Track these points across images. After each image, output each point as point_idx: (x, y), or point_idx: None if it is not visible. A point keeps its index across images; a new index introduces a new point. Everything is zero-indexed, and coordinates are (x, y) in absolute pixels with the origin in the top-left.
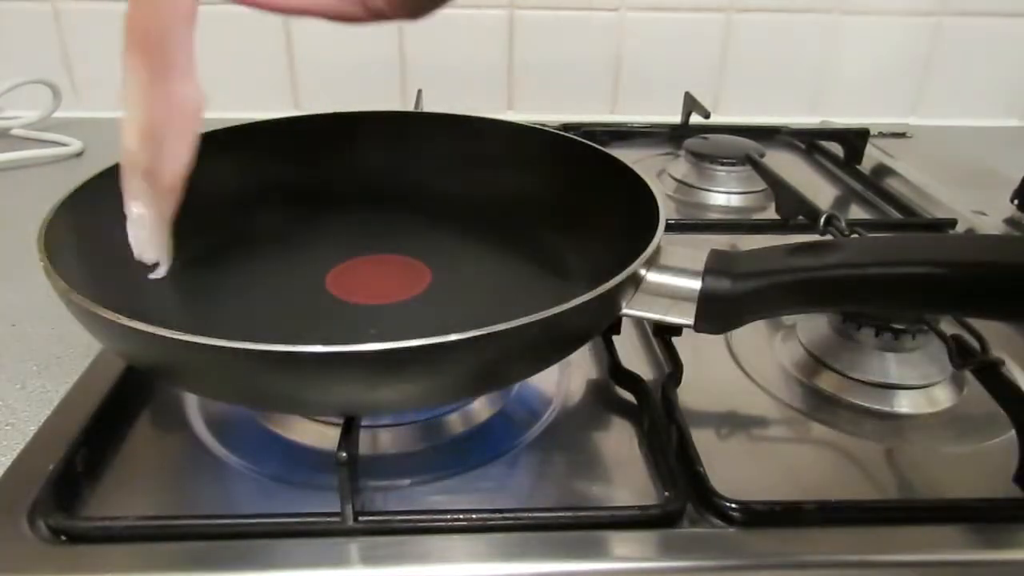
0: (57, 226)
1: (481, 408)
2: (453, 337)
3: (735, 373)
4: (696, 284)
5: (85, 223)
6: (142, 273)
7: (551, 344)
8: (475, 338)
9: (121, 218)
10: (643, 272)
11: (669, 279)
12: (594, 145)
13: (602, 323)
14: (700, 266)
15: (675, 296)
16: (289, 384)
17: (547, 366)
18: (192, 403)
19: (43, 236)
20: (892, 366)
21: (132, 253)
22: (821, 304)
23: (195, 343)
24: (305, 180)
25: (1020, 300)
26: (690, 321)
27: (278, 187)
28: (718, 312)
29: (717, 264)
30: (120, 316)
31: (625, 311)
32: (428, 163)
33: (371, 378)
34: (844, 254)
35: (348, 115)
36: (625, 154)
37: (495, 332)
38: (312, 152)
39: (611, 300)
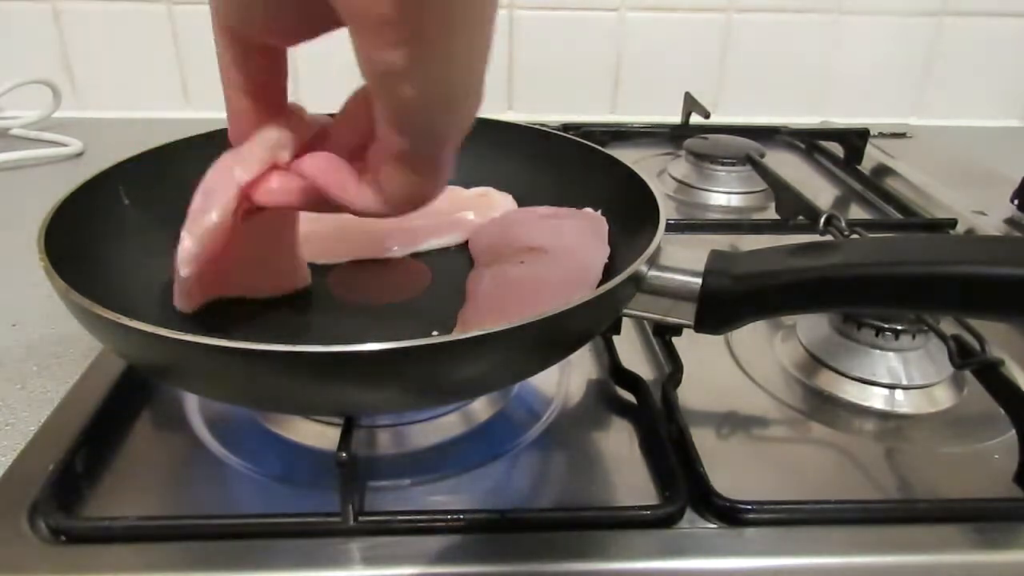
0: (57, 226)
1: (481, 408)
2: (454, 337)
3: (735, 373)
4: (697, 284)
5: (85, 223)
6: (142, 272)
7: (552, 344)
8: (476, 338)
9: (120, 217)
10: (644, 272)
11: (670, 279)
12: (594, 145)
13: (603, 323)
14: (700, 266)
15: (676, 296)
16: (289, 384)
17: (548, 366)
18: (192, 403)
19: (43, 236)
20: (892, 366)
21: (132, 252)
22: (821, 305)
23: (195, 343)
24: None
25: (1019, 301)
26: (690, 321)
27: None
28: (718, 312)
29: (717, 264)
30: (120, 316)
31: (626, 311)
32: None
33: (371, 378)
34: (844, 255)
35: None
36: (625, 154)
37: (496, 332)
38: None
39: (612, 300)
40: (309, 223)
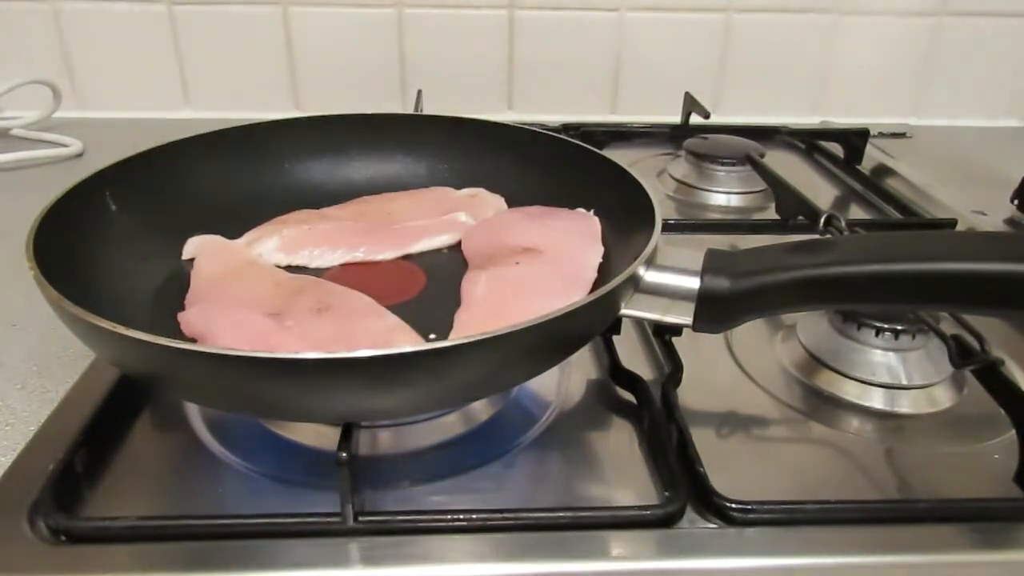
0: (45, 234)
1: (481, 408)
2: (453, 342)
3: (735, 373)
4: (694, 284)
5: (73, 230)
6: (132, 278)
7: (551, 347)
8: (476, 343)
9: (108, 223)
10: (641, 273)
11: (667, 279)
12: (588, 147)
13: (602, 324)
14: (698, 266)
15: (674, 296)
16: (285, 391)
17: (547, 368)
18: (192, 404)
19: (31, 243)
20: (892, 366)
21: (121, 258)
22: (819, 302)
23: (189, 351)
24: (303, 181)
25: (1015, 296)
26: (688, 321)
27: (276, 188)
28: (716, 311)
29: (715, 263)
30: (116, 325)
31: (624, 312)
32: (425, 165)
33: (369, 385)
34: (841, 252)
35: (347, 117)
36: (625, 154)
37: (495, 336)
38: (311, 152)
39: (610, 301)
40: (299, 227)
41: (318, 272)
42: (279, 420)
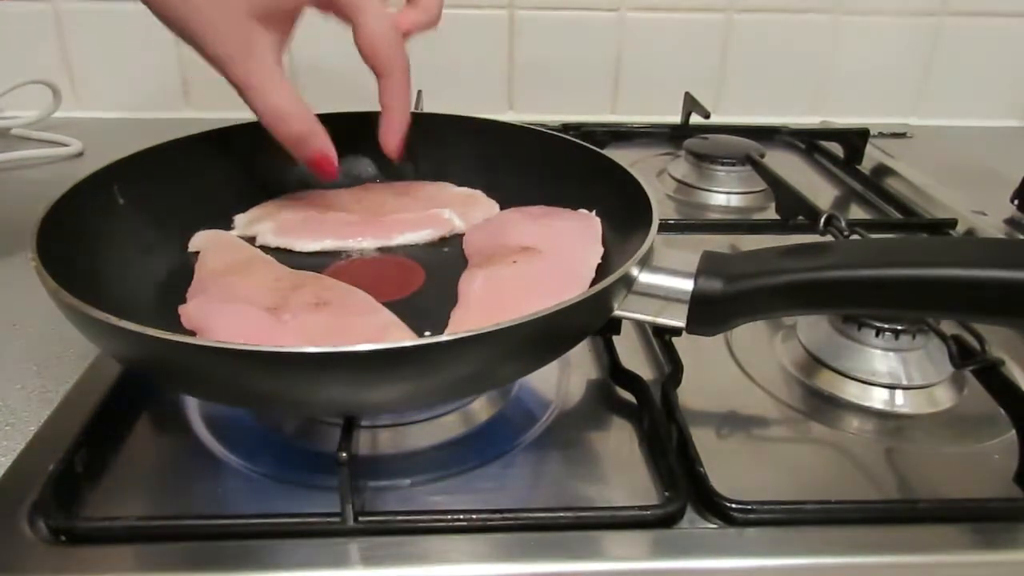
0: (51, 227)
1: (481, 408)
2: (446, 338)
3: (735, 373)
4: (688, 285)
5: (80, 224)
6: (138, 273)
7: (543, 344)
8: (466, 339)
9: (115, 217)
10: (635, 273)
11: (661, 280)
12: (587, 145)
13: (594, 324)
14: (692, 267)
15: (667, 297)
16: (282, 385)
17: (541, 366)
18: (192, 403)
19: (36, 236)
20: (892, 366)
21: (128, 252)
22: (814, 306)
23: (189, 344)
24: (307, 178)
25: (1014, 304)
26: (682, 323)
27: (277, 187)
28: (710, 314)
29: (709, 265)
30: (110, 316)
31: (617, 312)
32: (426, 164)
33: (364, 379)
34: (837, 256)
35: (348, 115)
36: (625, 154)
37: (485, 333)
38: None
39: (603, 301)
40: (283, 211)
41: (319, 267)
42: (274, 413)
